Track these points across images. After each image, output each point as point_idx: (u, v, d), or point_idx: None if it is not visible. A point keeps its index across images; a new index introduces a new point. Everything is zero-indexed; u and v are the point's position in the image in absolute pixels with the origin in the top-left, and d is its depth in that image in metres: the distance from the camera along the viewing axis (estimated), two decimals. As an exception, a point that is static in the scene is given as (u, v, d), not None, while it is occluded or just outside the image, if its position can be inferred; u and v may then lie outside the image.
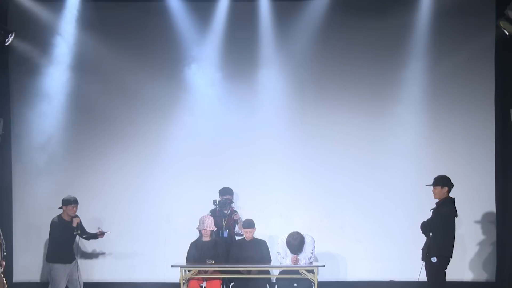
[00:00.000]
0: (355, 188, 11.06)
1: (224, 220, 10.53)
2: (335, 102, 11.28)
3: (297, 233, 10.10)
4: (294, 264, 9.99)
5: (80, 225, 10.25)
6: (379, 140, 11.17)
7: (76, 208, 10.24)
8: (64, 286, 10.16)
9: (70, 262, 10.17)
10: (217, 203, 10.54)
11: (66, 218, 10.19)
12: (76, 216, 10.23)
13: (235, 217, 10.59)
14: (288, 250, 10.09)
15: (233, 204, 10.67)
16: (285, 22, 11.28)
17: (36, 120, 11.46)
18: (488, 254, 10.95)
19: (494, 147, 11.00)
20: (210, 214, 10.51)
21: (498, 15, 10.64)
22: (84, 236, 10.40)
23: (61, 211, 10.25)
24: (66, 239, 10.18)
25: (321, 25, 11.22)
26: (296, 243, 10.03)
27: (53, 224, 10.20)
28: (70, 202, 10.20)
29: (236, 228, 10.60)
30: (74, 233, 10.18)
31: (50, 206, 11.31)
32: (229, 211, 10.59)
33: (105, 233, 10.39)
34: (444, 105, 11.15)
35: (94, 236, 10.41)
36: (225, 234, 10.46)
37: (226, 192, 10.70)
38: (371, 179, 11.07)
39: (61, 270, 10.07)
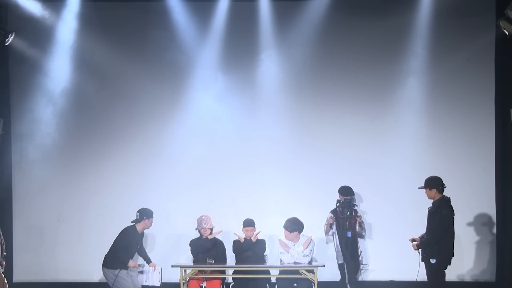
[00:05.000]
0: (355, 189, 10.99)
1: (347, 221, 10.24)
2: (335, 102, 11.28)
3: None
4: (295, 263, 10.04)
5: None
6: (379, 140, 11.18)
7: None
8: None
9: (126, 269, 10.02)
10: (339, 204, 10.24)
11: (139, 230, 10.08)
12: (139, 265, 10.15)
13: (359, 219, 10.29)
14: (287, 247, 10.16)
15: (356, 207, 10.39)
16: (285, 22, 11.28)
17: (36, 120, 11.47)
18: (488, 254, 10.96)
19: (494, 147, 11.01)
20: (332, 215, 10.33)
21: (498, 15, 10.64)
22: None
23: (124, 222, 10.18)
24: (132, 251, 10.08)
25: (321, 25, 11.22)
26: (292, 220, 10.12)
27: (128, 233, 10.02)
28: (152, 214, 10.12)
29: (358, 229, 10.36)
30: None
31: (50, 206, 11.38)
32: (349, 212, 10.28)
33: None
34: (444, 105, 11.16)
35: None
36: (348, 234, 10.20)
37: (347, 192, 10.40)
38: (371, 180, 11.07)
39: (125, 275, 9.91)
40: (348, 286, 10.11)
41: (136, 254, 10.32)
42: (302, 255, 10.11)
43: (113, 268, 9.94)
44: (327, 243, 10.81)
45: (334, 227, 10.34)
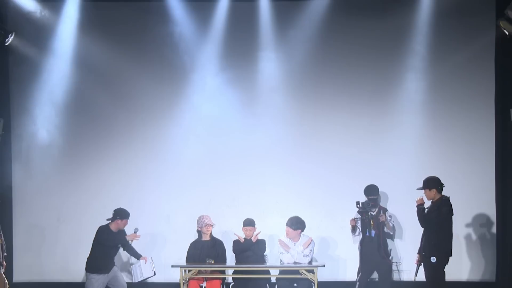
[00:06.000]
0: (355, 189, 11.00)
1: (372, 220, 10.17)
2: (335, 102, 11.28)
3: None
4: (295, 263, 10.04)
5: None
6: (378, 140, 11.18)
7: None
8: None
9: (108, 272, 9.99)
10: (360, 204, 10.15)
11: (114, 229, 10.06)
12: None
13: (381, 218, 10.20)
14: (287, 247, 10.17)
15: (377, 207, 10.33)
16: (285, 22, 11.28)
17: (36, 120, 11.48)
18: (488, 254, 10.96)
19: (494, 147, 11.01)
20: (357, 217, 10.25)
21: (498, 15, 10.64)
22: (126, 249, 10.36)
23: (102, 220, 10.16)
24: (111, 251, 10.04)
25: (320, 25, 11.22)
26: (296, 218, 10.14)
27: (103, 233, 9.99)
28: (127, 216, 10.08)
29: (385, 229, 10.29)
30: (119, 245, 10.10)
31: (50, 206, 11.37)
32: (375, 211, 10.23)
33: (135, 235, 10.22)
34: (444, 105, 11.16)
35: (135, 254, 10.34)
36: (373, 234, 10.15)
37: (371, 192, 10.39)
38: (370, 180, 11.01)
39: (96, 280, 9.88)
40: (357, 285, 10.11)
41: (125, 252, 10.43)
42: (302, 255, 10.11)
43: (88, 271, 9.94)
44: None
45: (359, 227, 10.32)
